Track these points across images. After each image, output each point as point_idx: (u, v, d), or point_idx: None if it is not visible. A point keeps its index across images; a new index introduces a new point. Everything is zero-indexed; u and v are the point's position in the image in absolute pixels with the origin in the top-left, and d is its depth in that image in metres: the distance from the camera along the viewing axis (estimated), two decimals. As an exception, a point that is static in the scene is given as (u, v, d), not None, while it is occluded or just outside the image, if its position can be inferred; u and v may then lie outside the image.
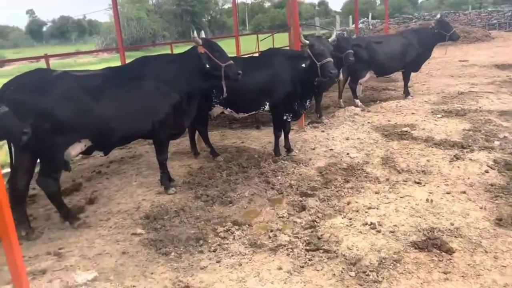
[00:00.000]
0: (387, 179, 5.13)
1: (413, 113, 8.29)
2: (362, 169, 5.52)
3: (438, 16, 9.74)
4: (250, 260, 3.62)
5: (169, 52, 9.53)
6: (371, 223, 4.07)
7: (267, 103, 5.93)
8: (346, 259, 3.54)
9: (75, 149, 4.26)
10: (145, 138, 5.39)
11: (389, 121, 7.85)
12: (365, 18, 26.85)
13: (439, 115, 7.89)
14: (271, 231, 4.09)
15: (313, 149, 6.50)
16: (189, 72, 4.89)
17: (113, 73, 4.59)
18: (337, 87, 9.96)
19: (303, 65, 5.55)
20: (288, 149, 6.31)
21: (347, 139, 6.85)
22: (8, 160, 4.41)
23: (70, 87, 4.05)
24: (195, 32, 4.82)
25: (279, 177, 5.38)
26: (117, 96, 4.38)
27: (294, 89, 5.81)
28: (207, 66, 4.82)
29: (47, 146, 3.97)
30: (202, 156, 6.49)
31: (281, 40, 16.67)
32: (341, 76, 9.45)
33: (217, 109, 6.14)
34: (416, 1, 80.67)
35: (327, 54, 5.49)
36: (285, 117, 6.11)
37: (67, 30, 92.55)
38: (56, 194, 4.24)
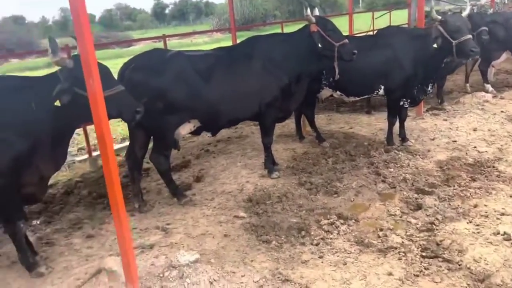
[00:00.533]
0: (527, 182, 4.32)
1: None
2: (493, 167, 4.74)
3: None
4: (356, 260, 3.31)
5: (280, 31, 9.37)
6: (505, 233, 3.44)
7: (382, 87, 5.41)
8: (472, 273, 3.02)
9: (185, 129, 4.34)
10: (251, 120, 5.32)
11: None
12: (501, -10, 23.47)
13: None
14: (381, 229, 3.71)
15: (432, 139, 5.81)
16: (300, 52, 4.63)
17: (224, 53, 4.55)
18: (464, 70, 8.80)
19: (434, 45, 4.91)
20: (403, 138, 5.72)
21: (474, 130, 5.98)
22: (127, 134, 4.68)
23: (183, 68, 4.09)
24: (307, 9, 4.51)
25: (392, 169, 4.90)
26: (226, 78, 4.33)
27: (414, 72, 5.20)
28: (319, 45, 4.50)
29: (159, 124, 4.10)
30: (307, 141, 6.24)
31: (399, 18, 15.39)
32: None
33: (325, 92, 5.80)
34: None
35: (465, 30, 4.82)
36: (401, 103, 5.53)
37: (186, 11, 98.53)
38: (166, 171, 4.39)
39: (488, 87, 8.31)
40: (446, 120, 6.48)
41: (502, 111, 6.75)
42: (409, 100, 5.49)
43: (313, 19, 4.55)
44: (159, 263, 3.26)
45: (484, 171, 4.66)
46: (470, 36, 4.91)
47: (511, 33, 7.89)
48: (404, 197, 4.24)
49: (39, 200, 3.57)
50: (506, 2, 23.02)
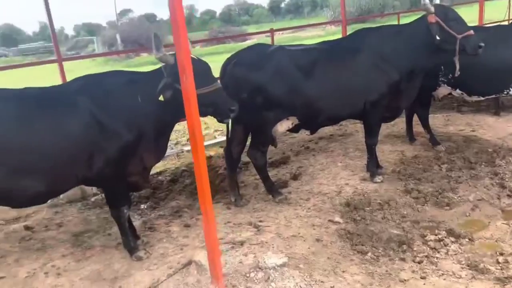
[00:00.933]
0: None
1: None
2: None
3: None
4: (466, 287, 2.86)
5: (397, 23, 8.68)
6: None
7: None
8: None
9: (283, 126, 4.23)
10: (355, 119, 4.97)
11: None
12: None
13: None
14: (501, 254, 3.16)
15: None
16: (415, 46, 4.17)
17: (328, 47, 4.31)
18: None
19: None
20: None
21: None
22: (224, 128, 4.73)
23: (284, 63, 3.98)
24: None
25: (522, 182, 4.16)
26: (329, 74, 4.10)
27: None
28: (438, 38, 3.99)
29: (258, 120, 4.06)
30: (419, 143, 5.66)
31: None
32: None
33: (443, 90, 5.17)
34: None
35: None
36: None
37: (301, 5, 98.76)
38: (263, 167, 4.35)
39: None
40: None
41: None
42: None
43: (432, 9, 4.04)
44: (247, 261, 3.22)
45: None
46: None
47: None
48: (535, 217, 3.56)
49: (141, 188, 3.79)
50: None
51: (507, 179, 4.26)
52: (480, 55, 3.98)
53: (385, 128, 6.54)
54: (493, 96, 4.92)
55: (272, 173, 5.26)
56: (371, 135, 4.54)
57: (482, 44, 3.93)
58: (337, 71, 4.13)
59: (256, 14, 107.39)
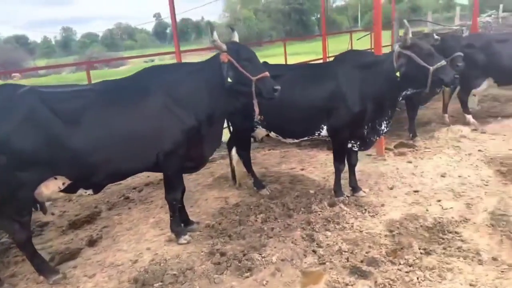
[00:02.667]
0: (494, 258, 3.28)
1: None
2: (456, 233, 3.72)
3: None
4: None
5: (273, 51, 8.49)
6: None
7: (324, 127, 4.44)
8: None
9: (50, 188, 3.34)
10: (150, 171, 4.31)
11: (510, 149, 5.68)
12: (493, 11, 22.68)
13: None
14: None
15: (391, 188, 4.80)
16: (210, 87, 3.68)
17: (106, 88, 3.58)
18: (441, 98, 7.86)
19: (397, 74, 4.03)
20: (354, 187, 4.73)
21: (442, 176, 4.97)
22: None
23: (36, 109, 3.13)
24: (214, 33, 3.59)
25: (330, 233, 3.88)
26: (105, 121, 3.36)
27: (363, 108, 4.24)
28: (229, 79, 3.56)
29: (9, 183, 3.12)
30: (248, 186, 5.25)
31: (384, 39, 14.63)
32: (447, 84, 7.36)
33: (260, 131, 4.83)
34: None
35: (438, 55, 4.08)
36: (349, 146, 4.56)
37: (187, 31, 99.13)
38: (25, 242, 3.38)
39: (469, 118, 7.34)
40: (411, 162, 5.48)
41: (479, 150, 5.75)
42: (358, 142, 4.51)
43: (224, 46, 3.62)
44: None
45: (444, 239, 3.63)
46: (444, 62, 4.04)
47: (491, 58, 6.96)
48: (332, 280, 3.20)
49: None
50: (500, 21, 22.30)
51: (317, 230, 3.96)
52: (276, 98, 3.63)
53: (219, 169, 6.08)
54: (306, 138, 4.69)
55: (69, 237, 4.34)
56: (169, 189, 3.89)
57: (278, 87, 3.59)
58: (116, 118, 3.42)
59: (141, 39, 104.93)
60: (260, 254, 3.62)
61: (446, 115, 7.64)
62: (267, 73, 3.63)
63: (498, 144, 5.96)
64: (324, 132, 4.47)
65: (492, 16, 20.77)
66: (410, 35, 4.20)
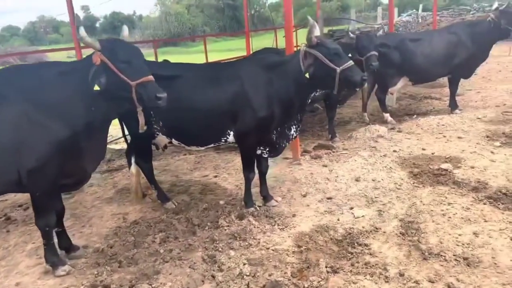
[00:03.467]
0: (401, 274, 3.07)
1: (459, 137, 6.04)
2: (366, 245, 3.49)
3: (496, 4, 7.25)
4: None
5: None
6: None
7: (231, 133, 4.04)
8: None
9: None
10: (17, 192, 3.64)
11: (423, 149, 5.68)
12: (414, 10, 23.89)
13: (497, 143, 5.61)
14: None
15: (304, 196, 4.53)
16: (85, 91, 3.11)
17: None
18: (361, 97, 7.84)
19: (306, 75, 3.70)
20: (266, 197, 4.39)
21: (357, 180, 4.79)
22: None
23: None
24: (81, 29, 3.03)
25: (233, 252, 3.48)
26: None
27: (270, 111, 3.89)
28: (102, 83, 3.01)
29: None
30: (153, 199, 4.72)
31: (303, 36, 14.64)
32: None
33: (162, 139, 4.32)
34: (476, -8, 74.14)
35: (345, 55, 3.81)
36: (259, 152, 4.21)
37: (118, 25, 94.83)
38: None
39: (387, 116, 7.37)
40: (326, 166, 5.26)
41: (394, 151, 5.69)
42: (267, 148, 4.17)
43: (97, 44, 3.06)
44: None
45: (352, 253, 3.38)
46: (352, 62, 3.78)
47: (406, 57, 7.01)
48: (227, 312, 2.81)
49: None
50: (420, 21, 23.50)
51: (220, 249, 3.55)
52: (161, 106, 3.13)
53: (124, 180, 5.48)
54: (212, 145, 4.27)
55: None
56: (41, 213, 3.23)
57: (162, 95, 3.08)
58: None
59: (67, 33, 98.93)
60: (151, 285, 3.13)
61: (366, 114, 7.62)
62: (150, 77, 3.11)
63: (412, 144, 5.96)
64: (231, 138, 4.07)
65: (412, 15, 21.80)
66: (318, 33, 3.93)
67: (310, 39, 3.73)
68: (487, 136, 5.96)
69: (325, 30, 12.30)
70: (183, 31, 44.03)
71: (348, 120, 7.95)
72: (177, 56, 26.34)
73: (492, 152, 5.27)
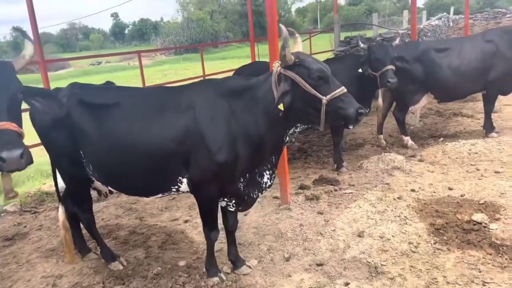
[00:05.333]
0: None
1: (497, 172, 4.82)
2: None
3: None
4: None
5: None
6: None
7: (184, 180, 3.03)
8: None
9: None
10: None
11: (450, 189, 4.50)
12: (444, 13, 22.29)
13: (547, 184, 4.37)
14: None
15: (287, 259, 3.45)
16: None
17: None
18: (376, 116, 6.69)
19: (280, 106, 2.70)
20: (235, 262, 3.35)
21: (359, 236, 3.68)
22: None
23: None
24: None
25: None
26: None
27: (234, 153, 2.87)
28: None
29: None
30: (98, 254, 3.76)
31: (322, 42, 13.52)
32: (379, 100, 6.20)
33: (100, 185, 3.35)
34: (512, -7, 70.61)
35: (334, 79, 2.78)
36: (223, 205, 3.18)
37: (146, 31, 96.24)
38: None
39: (407, 140, 6.20)
40: (322, 213, 4.15)
41: (412, 190, 4.53)
42: (234, 200, 3.14)
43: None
44: None
45: None
46: (344, 89, 2.72)
47: (430, 71, 5.83)
48: None
49: None
50: (451, 24, 21.88)
51: None
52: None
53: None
54: (160, 195, 3.27)
55: None
56: None
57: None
58: None
59: (98, 39, 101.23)
60: None
61: (381, 136, 6.47)
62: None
63: (435, 180, 4.78)
64: (184, 187, 3.06)
65: (443, 19, 20.23)
66: (299, 48, 2.89)
67: (284, 56, 2.68)
68: (533, 172, 4.72)
69: (342, 36, 11.14)
70: (205, 37, 43.52)
71: (362, 142, 6.80)
72: (196, 63, 25.60)
73: (541, 198, 4.04)
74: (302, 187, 4.89)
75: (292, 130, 2.96)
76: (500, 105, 7.76)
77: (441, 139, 6.40)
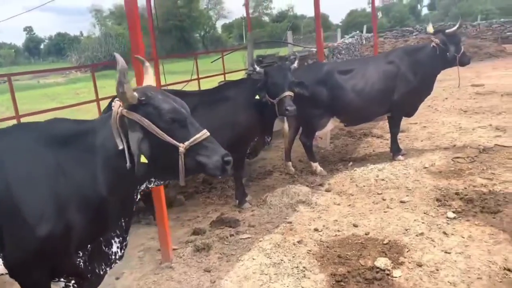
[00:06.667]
0: None
1: (402, 202, 4.56)
2: None
3: (430, 26, 5.98)
4: None
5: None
6: None
7: (-1, 261, 2.23)
8: None
9: None
10: None
11: (355, 225, 4.11)
12: (357, 32, 23.24)
13: (450, 213, 4.14)
14: None
15: None
16: None
17: None
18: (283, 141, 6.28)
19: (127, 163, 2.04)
20: None
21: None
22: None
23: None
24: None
25: None
26: None
27: (63, 224, 2.14)
28: None
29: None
30: None
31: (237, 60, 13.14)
32: (285, 126, 5.78)
33: None
34: (419, 13, 77.27)
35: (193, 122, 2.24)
36: (62, 286, 2.42)
37: (63, 46, 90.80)
38: None
39: (315, 166, 5.84)
40: (210, 270, 3.51)
41: (316, 229, 4.07)
42: (73, 280, 2.38)
43: None
44: None
45: None
46: (207, 133, 2.17)
47: (334, 93, 5.54)
48: None
49: None
50: (364, 42, 22.80)
51: None
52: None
53: None
54: None
55: None
56: None
57: None
58: None
59: (8, 55, 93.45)
60: None
61: (290, 163, 6.05)
62: None
63: (341, 215, 4.40)
64: (1, 268, 2.26)
65: (356, 37, 20.99)
66: (149, 81, 2.28)
67: (123, 94, 2.04)
68: (437, 200, 4.50)
69: (255, 55, 10.80)
70: (125, 53, 41.65)
71: (271, 170, 6.33)
72: (112, 80, 24.14)
73: (445, 233, 3.76)
74: (196, 232, 4.24)
75: (144, 186, 2.31)
76: (407, 124, 7.78)
77: (350, 163, 6.14)
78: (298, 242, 3.82)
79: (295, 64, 4.85)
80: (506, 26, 23.83)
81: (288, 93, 4.56)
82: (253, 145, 4.96)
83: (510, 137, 6.57)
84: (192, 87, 10.22)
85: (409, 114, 6.13)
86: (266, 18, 77.16)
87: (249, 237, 4.00)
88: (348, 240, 3.83)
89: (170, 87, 8.96)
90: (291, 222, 4.27)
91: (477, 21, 27.19)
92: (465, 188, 4.75)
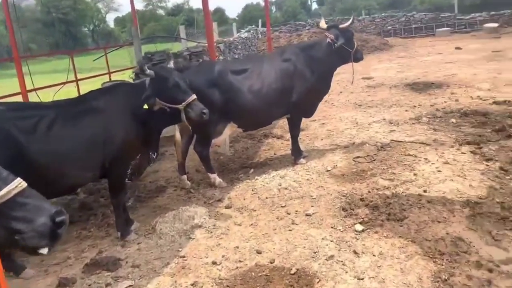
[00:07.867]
0: None
1: (307, 215, 4.15)
2: None
3: (323, 21, 5.72)
4: None
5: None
6: None
7: None
8: None
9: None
10: None
11: (259, 252, 3.57)
12: (253, 26, 23.17)
13: (358, 225, 3.82)
14: None
15: None
16: None
17: None
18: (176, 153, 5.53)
19: None
20: None
21: None
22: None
23: None
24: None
25: None
26: None
27: None
28: None
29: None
30: None
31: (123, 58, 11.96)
32: (177, 135, 5.04)
33: None
34: (309, 8, 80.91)
35: None
36: None
37: None
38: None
39: (214, 178, 5.20)
40: None
41: (214, 262, 3.44)
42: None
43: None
44: None
45: None
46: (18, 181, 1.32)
47: (229, 96, 4.94)
48: None
49: None
50: (260, 36, 22.75)
51: None
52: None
53: None
54: None
55: None
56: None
57: None
58: None
59: None
60: None
61: (185, 177, 5.33)
62: None
63: (243, 237, 3.83)
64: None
65: (251, 31, 20.82)
66: None
67: None
68: (343, 209, 4.17)
69: (143, 51, 9.76)
70: (0, 50, 36.66)
71: (164, 185, 5.54)
72: (6, 79, 20.59)
73: (355, 253, 3.39)
74: (61, 283, 3.32)
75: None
76: (306, 122, 7.54)
77: (251, 170, 5.63)
78: (192, 285, 3.14)
79: (171, 64, 4.12)
80: (387, 20, 25.68)
81: (194, 95, 3.85)
82: (135, 163, 4.15)
83: (403, 131, 6.66)
84: (70, 90, 8.89)
85: (308, 114, 5.81)
86: (161, 11, 74.21)
87: (130, 286, 3.20)
88: (251, 273, 3.26)
89: (39, 92, 7.61)
90: (184, 256, 3.57)
91: (362, 15, 28.96)
92: (369, 192, 4.52)
